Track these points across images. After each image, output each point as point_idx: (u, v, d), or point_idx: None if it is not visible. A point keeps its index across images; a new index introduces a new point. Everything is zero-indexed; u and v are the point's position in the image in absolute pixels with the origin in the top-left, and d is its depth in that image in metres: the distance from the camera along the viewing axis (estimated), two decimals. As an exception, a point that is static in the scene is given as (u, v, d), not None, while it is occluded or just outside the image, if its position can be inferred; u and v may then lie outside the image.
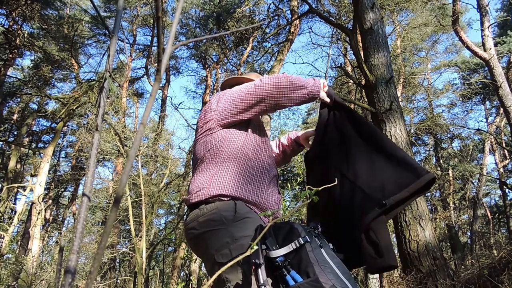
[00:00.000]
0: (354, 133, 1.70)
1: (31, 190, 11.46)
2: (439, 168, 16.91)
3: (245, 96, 1.65)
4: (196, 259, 10.80)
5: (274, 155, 2.03)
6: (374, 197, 1.48)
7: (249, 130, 1.70)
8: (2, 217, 10.60)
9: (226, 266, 1.16)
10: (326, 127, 1.81)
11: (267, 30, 14.07)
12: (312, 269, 1.23)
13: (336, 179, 1.48)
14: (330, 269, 1.26)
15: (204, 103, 15.31)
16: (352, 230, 1.52)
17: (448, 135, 17.04)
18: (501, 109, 9.74)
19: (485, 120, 18.09)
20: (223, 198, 1.51)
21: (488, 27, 8.39)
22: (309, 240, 1.31)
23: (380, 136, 1.68)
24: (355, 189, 1.55)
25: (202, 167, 1.63)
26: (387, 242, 1.46)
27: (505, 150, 16.14)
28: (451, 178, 16.55)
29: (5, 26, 11.63)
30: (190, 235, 1.57)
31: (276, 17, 13.14)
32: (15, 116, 16.51)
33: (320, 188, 1.29)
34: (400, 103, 6.67)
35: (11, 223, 10.46)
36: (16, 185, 12.21)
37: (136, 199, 10.17)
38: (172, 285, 11.34)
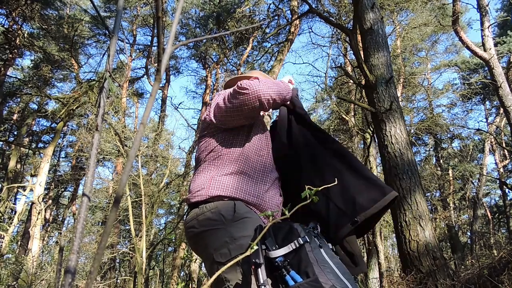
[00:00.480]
0: (318, 145, 1.72)
1: (31, 190, 11.46)
2: (439, 168, 16.92)
3: (224, 99, 1.62)
4: (196, 259, 10.81)
5: None
6: (348, 213, 1.55)
7: (251, 131, 1.69)
8: (2, 217, 10.59)
9: (226, 266, 1.16)
10: (290, 129, 1.80)
11: (267, 30, 14.08)
12: (311, 269, 1.23)
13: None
14: (330, 269, 1.26)
15: (204, 103, 15.31)
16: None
17: (448, 135, 17.05)
18: (501, 109, 9.74)
19: (485, 120, 18.11)
20: (223, 199, 1.52)
21: (488, 27, 8.38)
22: (308, 240, 1.31)
23: (347, 153, 1.74)
24: (329, 202, 1.59)
25: (203, 167, 1.64)
26: (359, 251, 1.61)
27: (505, 150, 16.15)
28: (451, 178, 16.56)
29: (5, 26, 11.64)
30: (190, 233, 1.58)
31: (276, 17, 13.15)
32: (15, 116, 16.52)
33: (320, 188, 1.29)
34: (400, 103, 6.67)
35: (11, 223, 10.46)
36: (16, 185, 12.22)
37: (136, 199, 10.17)
38: (172, 285, 11.34)
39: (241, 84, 1.54)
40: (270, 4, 13.09)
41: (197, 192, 1.56)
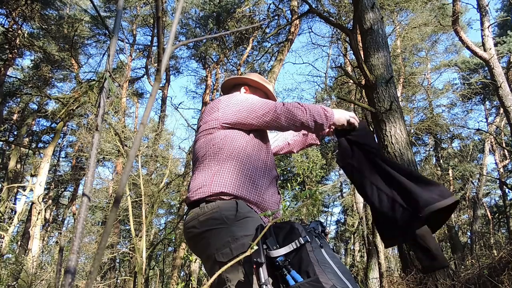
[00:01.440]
0: (375, 155, 1.80)
1: (31, 190, 11.46)
2: (439, 168, 16.91)
3: (261, 115, 1.66)
4: (196, 259, 10.80)
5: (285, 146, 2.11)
6: (413, 212, 1.59)
7: (252, 130, 1.71)
8: (2, 217, 10.59)
9: (227, 266, 1.16)
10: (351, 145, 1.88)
11: (267, 30, 14.08)
12: (312, 269, 1.23)
13: (373, 191, 1.67)
14: (331, 269, 1.26)
15: (204, 103, 15.30)
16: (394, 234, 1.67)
17: (448, 135, 17.06)
18: (501, 109, 9.74)
19: (485, 120, 18.11)
20: (224, 197, 1.51)
21: (488, 27, 8.38)
22: (309, 240, 1.31)
23: (401, 165, 1.85)
24: (394, 203, 1.64)
25: (203, 164, 1.63)
26: (436, 245, 1.63)
27: (505, 150, 16.14)
28: (451, 178, 16.55)
29: (5, 26, 11.64)
30: (190, 234, 1.56)
31: (276, 17, 13.15)
32: (15, 116, 16.52)
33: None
34: (400, 103, 6.66)
35: (11, 223, 10.46)
36: (16, 185, 12.21)
37: (136, 199, 10.17)
38: (172, 285, 11.34)
39: (277, 109, 1.67)
40: (270, 4, 13.09)
41: (199, 190, 1.55)
